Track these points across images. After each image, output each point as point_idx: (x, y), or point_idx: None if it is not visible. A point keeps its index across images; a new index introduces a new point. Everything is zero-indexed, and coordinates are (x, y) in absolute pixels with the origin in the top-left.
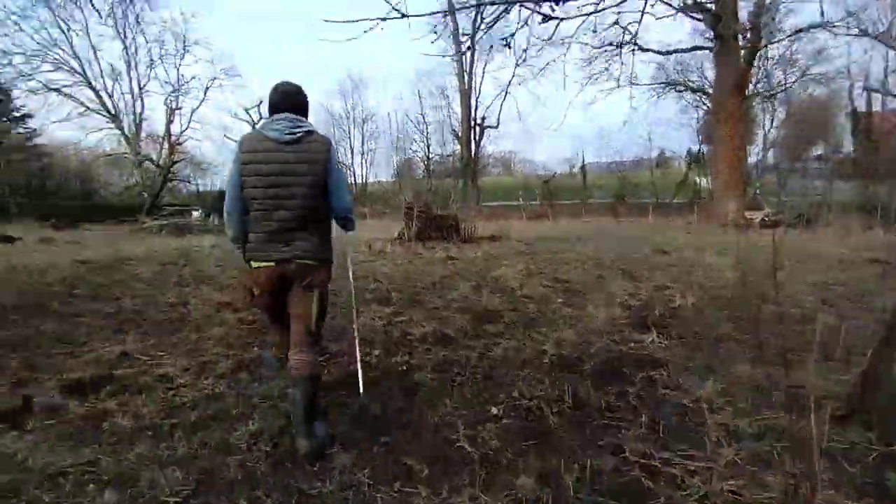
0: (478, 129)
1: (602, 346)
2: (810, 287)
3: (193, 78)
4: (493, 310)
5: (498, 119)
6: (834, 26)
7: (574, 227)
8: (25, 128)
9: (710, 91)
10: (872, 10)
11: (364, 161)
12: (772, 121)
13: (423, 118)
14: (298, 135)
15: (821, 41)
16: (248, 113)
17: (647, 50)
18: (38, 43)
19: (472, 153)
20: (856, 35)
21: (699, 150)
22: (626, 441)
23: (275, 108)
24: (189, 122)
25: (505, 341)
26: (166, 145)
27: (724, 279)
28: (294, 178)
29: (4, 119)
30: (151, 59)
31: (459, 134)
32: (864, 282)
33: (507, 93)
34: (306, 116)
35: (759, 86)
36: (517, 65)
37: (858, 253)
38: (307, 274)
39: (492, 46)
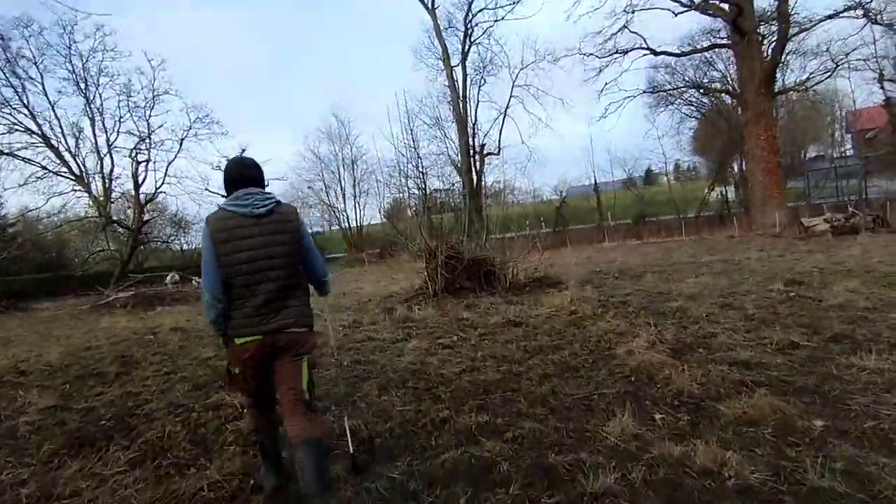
0: (478, 157)
1: None
2: None
3: (161, 127)
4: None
5: (498, 145)
6: (869, 6)
7: (615, 254)
8: None
9: (734, 90)
10: None
11: (357, 204)
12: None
13: (417, 151)
14: (270, 206)
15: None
16: None
17: (661, 53)
18: None
19: (475, 183)
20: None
21: (722, 163)
22: None
23: (234, 183)
24: (164, 177)
25: None
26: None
27: None
28: (273, 250)
29: None
30: (120, 114)
31: (459, 164)
32: None
33: (504, 115)
34: (264, 188)
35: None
36: (514, 83)
37: None
38: (296, 343)
39: (484, 67)
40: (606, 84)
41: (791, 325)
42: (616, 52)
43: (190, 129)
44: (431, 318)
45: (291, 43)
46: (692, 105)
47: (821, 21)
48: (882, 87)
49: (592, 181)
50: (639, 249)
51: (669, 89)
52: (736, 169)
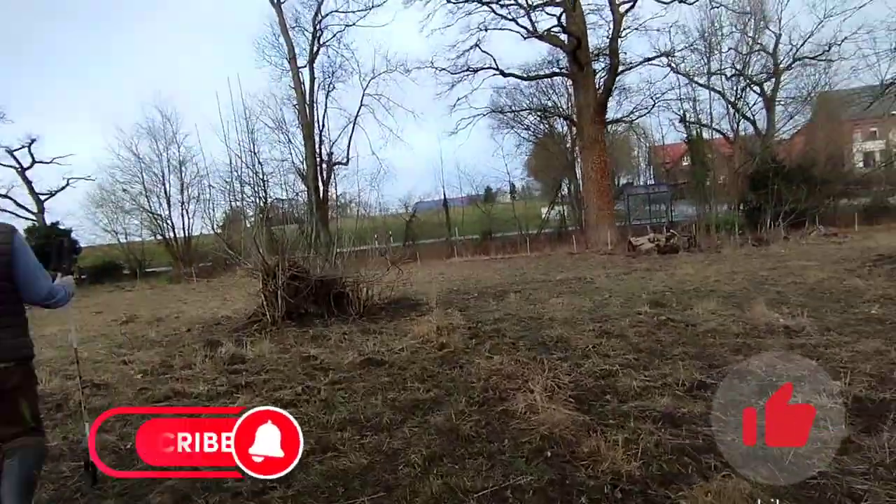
0: (325, 166)
1: None
2: None
3: None
4: None
5: (347, 155)
6: (674, 57)
7: (468, 270)
8: None
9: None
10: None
11: (185, 212)
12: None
13: (256, 156)
14: None
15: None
16: (12, 155)
17: (509, 74)
18: None
19: (322, 193)
20: (677, 72)
21: (556, 184)
22: None
23: None
24: None
25: None
26: None
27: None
28: None
29: None
30: None
31: (304, 173)
32: None
33: (354, 124)
34: None
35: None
36: (364, 92)
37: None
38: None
39: (333, 72)
40: (458, 100)
41: (684, 358)
42: (468, 69)
43: None
44: (268, 358)
45: (98, 19)
46: (529, 130)
47: (640, 63)
48: (685, 126)
49: (442, 196)
50: (489, 265)
51: (514, 111)
52: (566, 190)
